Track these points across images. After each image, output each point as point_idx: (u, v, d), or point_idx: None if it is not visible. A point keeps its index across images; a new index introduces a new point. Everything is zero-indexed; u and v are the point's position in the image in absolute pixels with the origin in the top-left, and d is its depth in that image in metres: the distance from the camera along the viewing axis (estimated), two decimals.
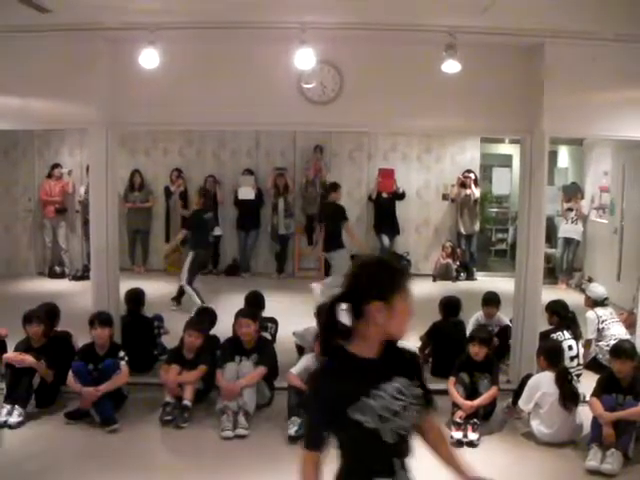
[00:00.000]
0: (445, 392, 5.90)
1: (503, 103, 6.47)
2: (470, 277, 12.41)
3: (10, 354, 6.15)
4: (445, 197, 13.07)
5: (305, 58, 6.01)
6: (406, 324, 2.45)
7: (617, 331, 7.09)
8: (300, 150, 12.87)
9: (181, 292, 9.65)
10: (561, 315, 6.93)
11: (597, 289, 7.61)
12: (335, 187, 10.01)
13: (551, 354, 5.82)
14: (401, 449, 2.46)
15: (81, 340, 6.36)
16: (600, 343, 7.10)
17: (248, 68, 6.39)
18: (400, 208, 12.46)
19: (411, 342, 7.11)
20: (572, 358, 6.62)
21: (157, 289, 9.62)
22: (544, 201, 6.65)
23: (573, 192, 12.20)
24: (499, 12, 5.33)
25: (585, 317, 7.30)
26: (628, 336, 6.91)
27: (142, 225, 12.44)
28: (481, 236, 13.50)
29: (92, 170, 6.81)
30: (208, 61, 6.49)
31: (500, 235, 14.65)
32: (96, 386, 5.77)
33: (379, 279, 2.42)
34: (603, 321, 7.17)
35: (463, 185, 12.59)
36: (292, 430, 5.54)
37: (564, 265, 11.97)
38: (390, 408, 2.38)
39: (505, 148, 14.97)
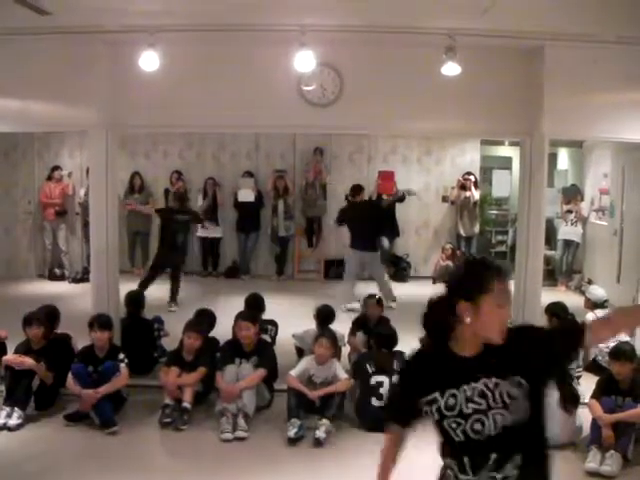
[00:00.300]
0: None
1: (503, 105, 6.48)
2: None
3: (10, 356, 6.15)
4: (445, 199, 13.08)
5: (305, 60, 6.01)
6: (497, 325, 2.41)
7: None
8: (300, 152, 12.87)
9: (174, 291, 9.71)
10: (561, 317, 6.91)
11: (597, 291, 7.60)
12: (361, 189, 10.46)
13: None
14: (473, 449, 2.44)
15: (81, 342, 6.36)
16: (599, 345, 7.09)
17: (248, 70, 6.40)
18: (400, 210, 12.46)
19: (410, 344, 7.14)
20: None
21: (157, 291, 9.61)
22: (544, 203, 6.65)
23: (573, 194, 12.20)
24: (499, 14, 5.33)
25: (585, 319, 7.29)
26: (627, 338, 6.90)
27: (142, 227, 12.41)
28: (481, 238, 13.48)
29: (92, 172, 6.82)
30: (208, 63, 6.50)
31: (500, 237, 14.61)
32: (96, 388, 5.77)
33: (466, 279, 2.48)
34: None
35: (463, 187, 12.59)
36: (291, 432, 5.54)
37: (564, 267, 11.97)
38: (459, 410, 2.42)
39: (505, 150, 14.96)
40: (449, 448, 2.51)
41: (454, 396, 2.43)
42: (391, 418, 2.70)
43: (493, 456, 2.39)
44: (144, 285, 9.27)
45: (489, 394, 2.39)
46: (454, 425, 2.43)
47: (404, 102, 6.46)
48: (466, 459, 2.44)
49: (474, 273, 2.48)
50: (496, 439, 2.38)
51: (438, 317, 2.52)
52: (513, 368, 2.40)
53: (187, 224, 10.34)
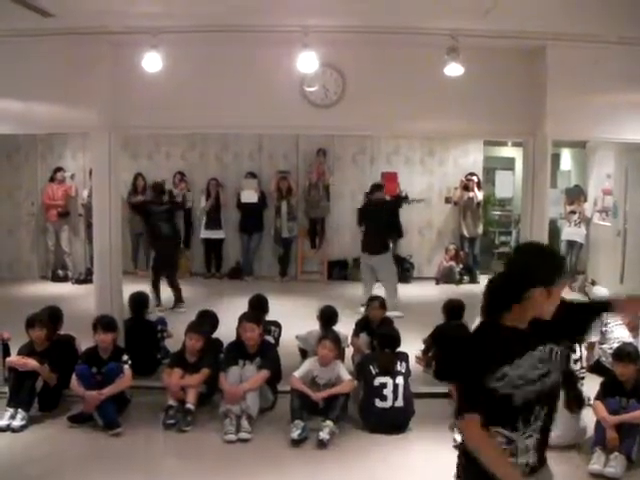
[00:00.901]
0: (448, 395, 5.91)
1: (506, 106, 6.47)
2: (473, 280, 12.37)
3: (13, 358, 6.16)
4: (448, 200, 13.07)
5: (308, 61, 6.02)
6: (553, 307, 2.69)
7: (620, 334, 7.07)
8: (303, 153, 12.87)
9: (177, 296, 9.77)
10: None
11: (600, 292, 7.60)
12: (379, 187, 10.53)
13: None
14: (527, 409, 2.67)
15: (84, 344, 6.36)
16: (603, 346, 7.08)
17: (250, 71, 6.40)
18: (403, 211, 12.41)
19: (414, 345, 7.15)
20: (575, 361, 6.59)
21: (160, 293, 9.64)
22: (547, 204, 6.65)
23: (576, 195, 12.17)
24: (501, 15, 5.33)
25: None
26: (631, 339, 6.90)
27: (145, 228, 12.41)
28: (484, 239, 13.47)
29: (95, 174, 6.83)
30: (210, 64, 6.51)
31: (503, 238, 14.60)
32: (99, 390, 5.78)
33: (549, 268, 2.68)
34: (606, 324, 7.15)
35: (466, 188, 12.58)
36: (295, 434, 5.54)
37: (567, 268, 11.95)
38: (527, 377, 2.62)
39: (508, 151, 14.95)
40: (500, 416, 2.66)
41: (521, 366, 2.62)
42: (472, 408, 2.64)
43: (540, 412, 2.69)
44: (155, 286, 9.54)
45: (547, 358, 2.68)
46: (519, 392, 2.61)
47: (407, 103, 6.46)
48: (520, 419, 2.66)
49: (556, 263, 2.74)
50: (545, 396, 2.69)
51: (503, 298, 2.69)
52: (556, 335, 2.73)
53: (167, 213, 10.24)
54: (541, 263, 2.69)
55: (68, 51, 6.29)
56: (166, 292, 9.78)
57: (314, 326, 6.94)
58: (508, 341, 2.65)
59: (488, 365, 2.61)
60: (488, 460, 2.61)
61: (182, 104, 6.45)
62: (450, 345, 2.86)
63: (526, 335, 2.68)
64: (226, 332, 6.81)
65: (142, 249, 12.44)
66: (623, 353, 5.48)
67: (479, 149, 13.14)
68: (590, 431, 5.46)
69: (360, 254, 10.33)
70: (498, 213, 14.66)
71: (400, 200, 11.31)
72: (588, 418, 5.55)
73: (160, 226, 9.91)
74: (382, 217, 10.03)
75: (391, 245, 11.80)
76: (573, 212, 11.84)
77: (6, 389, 6.12)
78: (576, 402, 5.51)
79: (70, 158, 12.69)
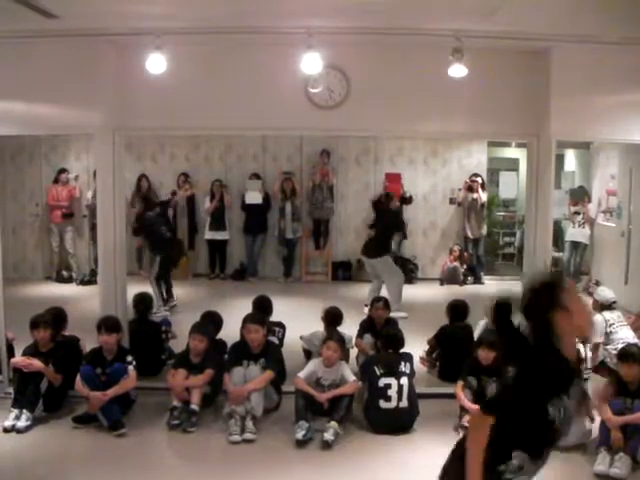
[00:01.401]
0: (453, 396, 5.90)
1: (510, 107, 6.47)
2: (477, 281, 12.38)
3: (18, 358, 6.17)
4: (452, 201, 13.07)
5: (312, 63, 6.01)
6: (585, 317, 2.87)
7: (625, 335, 7.06)
8: (307, 154, 12.88)
9: (168, 290, 9.83)
10: None
11: (605, 292, 7.58)
12: (389, 197, 10.67)
13: None
14: (554, 438, 2.82)
15: (89, 344, 6.37)
16: (608, 347, 7.07)
17: (255, 73, 6.40)
18: (407, 212, 12.45)
19: (418, 346, 7.15)
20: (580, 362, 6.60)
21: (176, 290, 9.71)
22: (551, 205, 6.64)
23: (580, 196, 12.16)
24: (506, 16, 5.32)
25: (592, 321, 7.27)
26: (636, 340, 6.89)
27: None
28: (488, 240, 13.48)
29: (99, 175, 6.82)
30: (214, 66, 6.51)
31: (507, 239, 14.61)
32: (104, 390, 5.78)
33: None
34: (611, 325, 7.14)
35: (470, 189, 12.57)
36: (299, 434, 5.53)
37: (571, 269, 11.92)
38: (570, 410, 2.79)
39: (512, 152, 14.96)
40: (528, 442, 2.75)
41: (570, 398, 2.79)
42: (493, 411, 2.77)
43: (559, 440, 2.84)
44: (159, 285, 9.64)
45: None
46: (561, 423, 2.75)
47: (411, 104, 6.46)
48: (544, 452, 2.81)
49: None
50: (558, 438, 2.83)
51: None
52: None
53: (162, 216, 10.28)
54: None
55: (72, 52, 6.29)
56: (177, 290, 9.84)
57: (318, 327, 6.95)
58: (569, 372, 2.79)
59: (560, 387, 2.73)
60: (472, 462, 2.72)
61: (186, 105, 6.45)
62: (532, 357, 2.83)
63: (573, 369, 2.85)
64: (230, 333, 6.81)
65: (146, 250, 12.43)
66: (628, 354, 5.46)
67: (483, 150, 13.12)
68: (595, 432, 5.45)
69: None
70: (502, 214, 14.68)
71: (403, 201, 11.36)
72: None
73: (160, 231, 9.94)
74: (383, 221, 10.08)
75: (396, 247, 11.91)
76: (577, 213, 11.83)
77: (11, 390, 6.14)
78: (582, 403, 5.51)
79: (74, 159, 12.70)
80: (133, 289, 7.37)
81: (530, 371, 2.74)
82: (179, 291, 10.24)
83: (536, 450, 2.75)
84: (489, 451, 2.67)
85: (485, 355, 5.86)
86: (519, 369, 2.82)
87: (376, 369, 5.94)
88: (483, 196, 12.59)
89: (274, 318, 7.22)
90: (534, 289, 2.81)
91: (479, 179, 12.63)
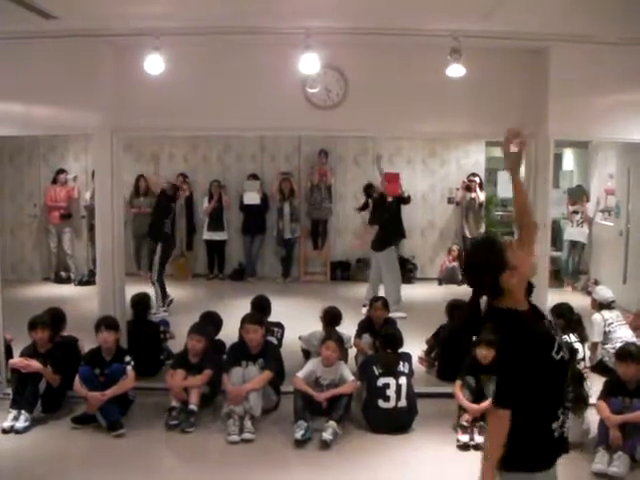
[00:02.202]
0: (451, 395, 5.91)
1: (508, 106, 6.45)
2: None
3: (16, 359, 6.17)
4: (450, 200, 13.07)
5: (310, 63, 6.00)
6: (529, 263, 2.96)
7: (623, 334, 7.07)
8: (305, 154, 12.88)
9: (163, 290, 9.77)
10: (567, 318, 6.91)
11: (603, 292, 7.59)
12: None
13: None
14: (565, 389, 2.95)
15: (88, 345, 6.37)
16: (606, 346, 7.09)
17: (253, 73, 6.40)
18: (405, 212, 12.43)
19: (417, 346, 7.15)
20: (578, 361, 6.60)
21: (175, 292, 9.69)
22: (549, 204, 6.64)
23: (578, 195, 12.17)
24: (503, 16, 5.33)
25: (591, 320, 7.28)
26: (634, 339, 6.90)
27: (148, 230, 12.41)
28: None
29: (97, 175, 6.82)
30: (212, 66, 6.51)
31: (505, 238, 14.60)
32: (103, 391, 5.78)
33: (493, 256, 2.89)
34: (609, 324, 7.16)
35: (468, 189, 12.57)
36: (298, 434, 5.54)
37: (570, 268, 11.95)
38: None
39: None
40: (550, 399, 2.83)
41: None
42: (509, 404, 2.77)
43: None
44: (162, 282, 9.67)
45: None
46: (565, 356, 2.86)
47: (409, 104, 6.46)
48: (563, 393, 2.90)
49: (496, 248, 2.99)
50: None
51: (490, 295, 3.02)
52: None
53: (166, 210, 10.31)
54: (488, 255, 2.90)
55: (70, 53, 6.28)
56: (171, 294, 9.80)
57: (317, 327, 6.95)
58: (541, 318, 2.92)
59: (551, 339, 2.82)
60: (489, 452, 2.77)
61: (184, 106, 6.45)
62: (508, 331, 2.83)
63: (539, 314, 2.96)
64: (229, 333, 6.81)
65: (145, 250, 12.44)
66: (626, 353, 5.47)
67: (481, 150, 13.13)
68: (593, 431, 5.46)
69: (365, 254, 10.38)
70: (500, 213, 14.62)
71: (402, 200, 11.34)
72: (591, 418, 5.55)
73: (164, 223, 9.95)
74: (384, 216, 10.11)
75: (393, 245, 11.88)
76: (576, 212, 11.84)
77: (9, 391, 6.14)
78: (582, 403, 5.52)
79: (72, 160, 12.69)
80: (131, 289, 7.37)
81: (513, 346, 2.80)
82: (178, 292, 10.24)
83: (559, 394, 2.86)
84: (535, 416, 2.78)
85: (484, 354, 5.86)
86: (501, 349, 2.92)
87: (375, 369, 5.94)
88: (481, 196, 12.58)
89: (273, 318, 7.22)
90: (478, 261, 3.00)
91: (477, 179, 12.62)
